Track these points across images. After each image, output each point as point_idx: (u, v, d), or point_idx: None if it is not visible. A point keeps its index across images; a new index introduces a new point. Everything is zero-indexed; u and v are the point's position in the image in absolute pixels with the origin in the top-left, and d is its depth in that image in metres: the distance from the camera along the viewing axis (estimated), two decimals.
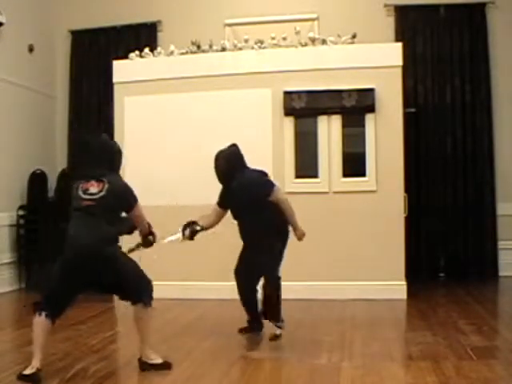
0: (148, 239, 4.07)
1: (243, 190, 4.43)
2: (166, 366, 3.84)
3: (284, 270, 6.21)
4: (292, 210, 4.49)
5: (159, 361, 3.84)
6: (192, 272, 6.17)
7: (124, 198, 3.82)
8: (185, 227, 4.52)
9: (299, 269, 6.10)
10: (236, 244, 4.60)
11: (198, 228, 4.50)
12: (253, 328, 4.68)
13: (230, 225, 4.60)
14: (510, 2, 7.26)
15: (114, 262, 3.67)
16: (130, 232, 4.05)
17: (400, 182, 6.07)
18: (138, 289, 3.77)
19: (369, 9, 7.37)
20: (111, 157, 3.92)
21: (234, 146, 4.59)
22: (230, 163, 4.49)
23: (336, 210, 6.14)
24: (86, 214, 3.67)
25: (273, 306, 4.48)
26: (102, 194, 3.69)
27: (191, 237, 4.51)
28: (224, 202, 4.59)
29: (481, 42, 7.24)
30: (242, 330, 4.67)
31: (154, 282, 6.44)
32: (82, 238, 3.60)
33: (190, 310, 5.55)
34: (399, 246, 6.01)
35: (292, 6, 7.49)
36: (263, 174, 4.66)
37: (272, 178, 4.73)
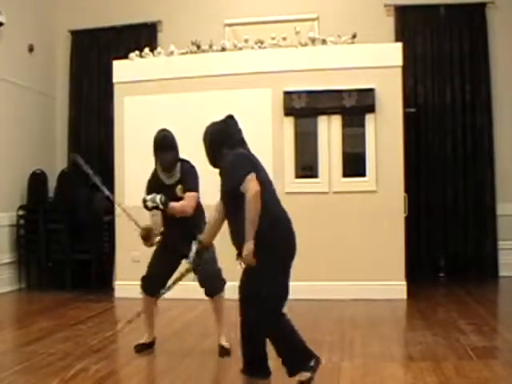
0: None
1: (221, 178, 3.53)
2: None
3: None
4: (253, 213, 3.21)
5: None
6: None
7: None
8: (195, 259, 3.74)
9: (299, 269, 6.08)
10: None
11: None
12: None
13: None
14: (510, 2, 7.26)
15: None
16: None
17: (400, 182, 6.07)
18: None
19: (369, 9, 7.36)
20: None
21: (229, 118, 3.66)
22: (213, 142, 3.62)
23: (336, 210, 6.14)
24: None
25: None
26: None
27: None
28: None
29: (481, 42, 7.23)
30: None
31: None
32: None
33: (190, 309, 5.55)
34: (399, 246, 6.02)
35: (292, 6, 7.49)
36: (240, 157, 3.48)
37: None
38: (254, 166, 3.37)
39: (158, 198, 4.00)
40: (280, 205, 3.42)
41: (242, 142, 3.57)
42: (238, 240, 3.35)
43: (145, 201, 4.03)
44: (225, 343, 4.18)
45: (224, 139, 3.53)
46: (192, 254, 3.68)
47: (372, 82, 6.09)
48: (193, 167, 4.32)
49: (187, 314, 5.43)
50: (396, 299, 5.84)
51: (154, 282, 4.25)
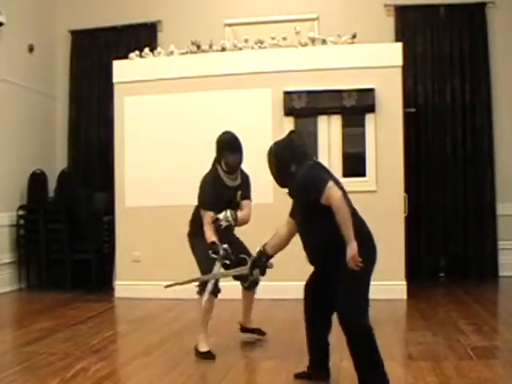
0: None
1: (295, 193, 3.47)
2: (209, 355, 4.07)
3: (284, 270, 6.23)
4: (346, 214, 3.19)
5: (204, 349, 4.10)
6: (192, 272, 6.16)
7: None
8: (253, 265, 3.75)
9: (299, 268, 6.09)
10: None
11: (269, 265, 3.74)
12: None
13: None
14: (510, 2, 7.25)
15: None
16: None
17: (400, 182, 6.06)
18: None
19: (369, 9, 7.36)
20: None
21: (292, 133, 3.76)
22: (280, 160, 3.50)
23: None
24: None
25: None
26: None
27: (263, 274, 3.82)
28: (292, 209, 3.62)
29: (481, 42, 7.23)
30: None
31: (153, 282, 6.43)
32: None
33: (190, 309, 5.55)
34: (399, 246, 6.01)
35: (292, 6, 7.48)
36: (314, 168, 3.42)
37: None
38: (329, 174, 3.35)
39: (229, 214, 4.08)
40: (356, 211, 3.42)
41: (306, 154, 3.51)
42: (317, 255, 3.41)
43: (217, 219, 4.06)
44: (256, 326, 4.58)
45: (290, 155, 3.45)
46: (250, 262, 3.75)
47: (372, 81, 6.08)
48: (248, 176, 4.42)
49: (187, 314, 5.42)
50: (396, 299, 5.83)
51: (216, 282, 4.28)
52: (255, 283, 4.42)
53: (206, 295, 4.06)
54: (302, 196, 3.37)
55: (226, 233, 4.22)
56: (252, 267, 3.74)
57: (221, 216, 4.07)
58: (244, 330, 4.60)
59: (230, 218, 4.07)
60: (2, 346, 4.52)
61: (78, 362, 3.97)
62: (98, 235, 7.09)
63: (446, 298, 6.20)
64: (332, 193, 3.19)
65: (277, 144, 3.58)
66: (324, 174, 3.33)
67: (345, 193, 3.33)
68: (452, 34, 7.29)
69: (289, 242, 3.62)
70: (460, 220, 7.21)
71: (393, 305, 5.71)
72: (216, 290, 4.19)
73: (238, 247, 4.32)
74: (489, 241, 7.13)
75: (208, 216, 4.10)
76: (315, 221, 3.31)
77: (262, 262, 3.69)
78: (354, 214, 3.34)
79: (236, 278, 4.32)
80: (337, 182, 3.34)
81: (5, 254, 6.98)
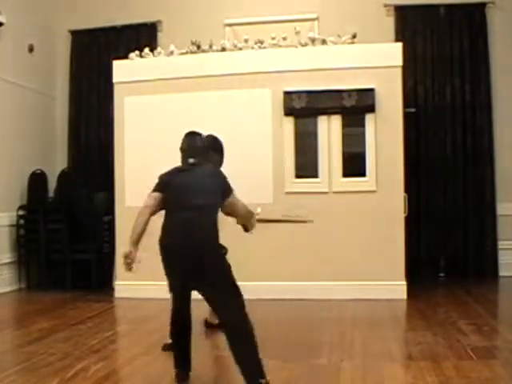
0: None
1: None
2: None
3: (284, 270, 6.25)
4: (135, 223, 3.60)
5: None
6: None
7: None
8: None
9: (299, 269, 6.11)
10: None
11: None
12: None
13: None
14: (510, 2, 7.26)
15: None
16: None
17: (400, 182, 6.07)
18: None
19: (369, 9, 7.36)
20: None
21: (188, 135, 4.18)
22: None
23: (336, 210, 6.15)
24: None
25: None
26: None
27: None
28: None
29: (481, 42, 7.23)
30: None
31: (153, 282, 6.46)
32: None
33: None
34: (399, 246, 6.01)
35: (292, 6, 7.49)
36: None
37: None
38: (165, 185, 3.68)
39: None
40: (181, 216, 3.51)
41: (184, 159, 3.99)
42: None
43: None
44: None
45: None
46: None
47: (372, 81, 6.09)
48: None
49: None
50: (396, 299, 5.84)
51: None
52: None
53: None
54: None
55: None
56: None
57: None
58: (210, 326, 4.83)
59: None
60: (1, 346, 4.53)
61: (78, 362, 3.97)
62: (97, 235, 7.09)
63: (446, 298, 6.20)
64: (145, 201, 3.63)
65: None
66: (161, 185, 3.70)
67: (183, 201, 3.54)
68: (452, 34, 7.29)
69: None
70: (460, 220, 7.21)
71: (393, 305, 5.71)
72: None
73: None
74: (489, 241, 7.13)
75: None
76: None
77: None
78: (168, 215, 3.60)
79: None
80: (174, 193, 3.61)
81: (5, 254, 6.98)
